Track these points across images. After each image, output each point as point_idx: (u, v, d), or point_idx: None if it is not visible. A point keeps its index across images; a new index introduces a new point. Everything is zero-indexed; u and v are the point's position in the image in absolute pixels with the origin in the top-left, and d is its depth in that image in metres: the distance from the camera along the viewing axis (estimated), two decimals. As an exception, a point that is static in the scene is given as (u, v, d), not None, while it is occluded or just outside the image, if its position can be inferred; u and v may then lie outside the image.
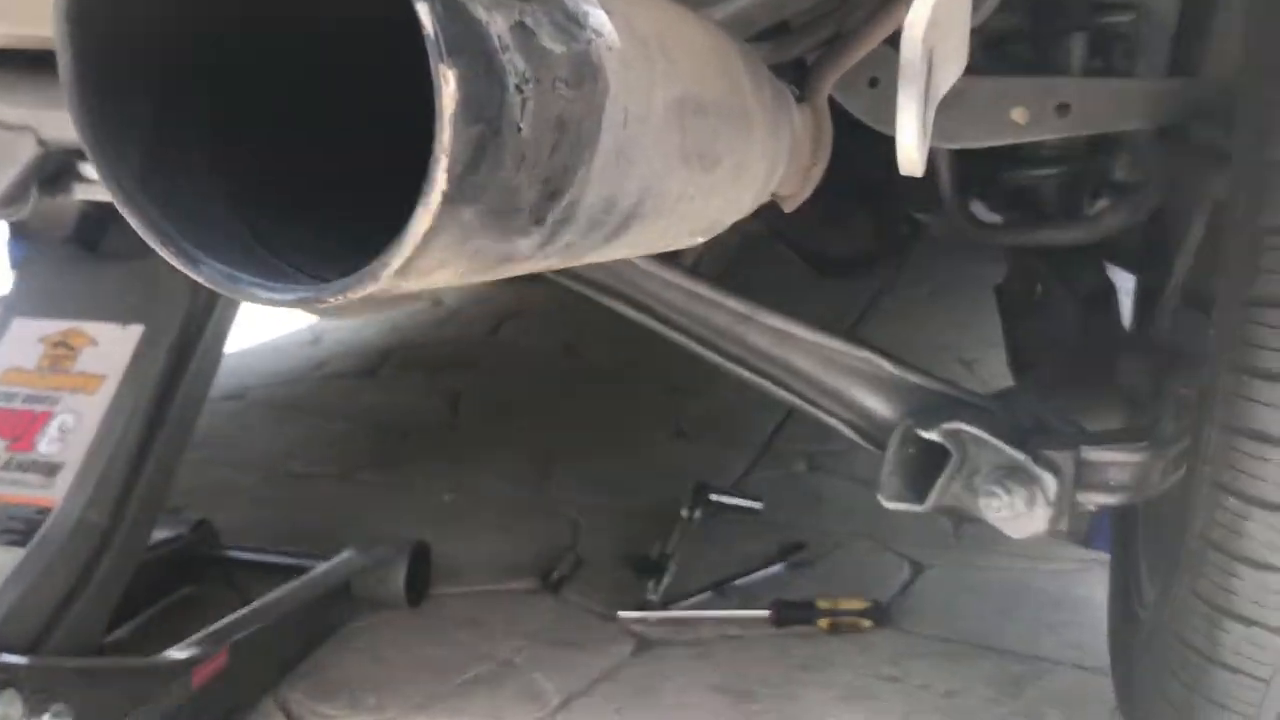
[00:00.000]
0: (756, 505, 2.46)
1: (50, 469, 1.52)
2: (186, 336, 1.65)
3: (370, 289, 0.47)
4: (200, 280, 0.55)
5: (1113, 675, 1.62)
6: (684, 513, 2.32)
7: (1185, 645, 1.20)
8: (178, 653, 1.61)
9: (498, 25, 0.46)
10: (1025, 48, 1.64)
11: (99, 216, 1.78)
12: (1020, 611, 2.09)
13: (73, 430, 1.55)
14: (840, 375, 1.51)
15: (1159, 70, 1.58)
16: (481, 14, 0.45)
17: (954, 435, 1.38)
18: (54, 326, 1.64)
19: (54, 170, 1.62)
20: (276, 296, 0.51)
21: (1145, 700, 1.36)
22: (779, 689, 1.83)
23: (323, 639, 1.95)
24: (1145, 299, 1.76)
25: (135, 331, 1.62)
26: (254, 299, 0.52)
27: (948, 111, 1.43)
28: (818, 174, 1.07)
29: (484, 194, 0.46)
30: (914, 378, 1.48)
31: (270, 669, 1.82)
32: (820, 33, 1.03)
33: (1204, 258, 1.44)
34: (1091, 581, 2.16)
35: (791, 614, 2.02)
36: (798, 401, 1.53)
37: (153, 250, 1.76)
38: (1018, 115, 1.47)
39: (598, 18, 0.55)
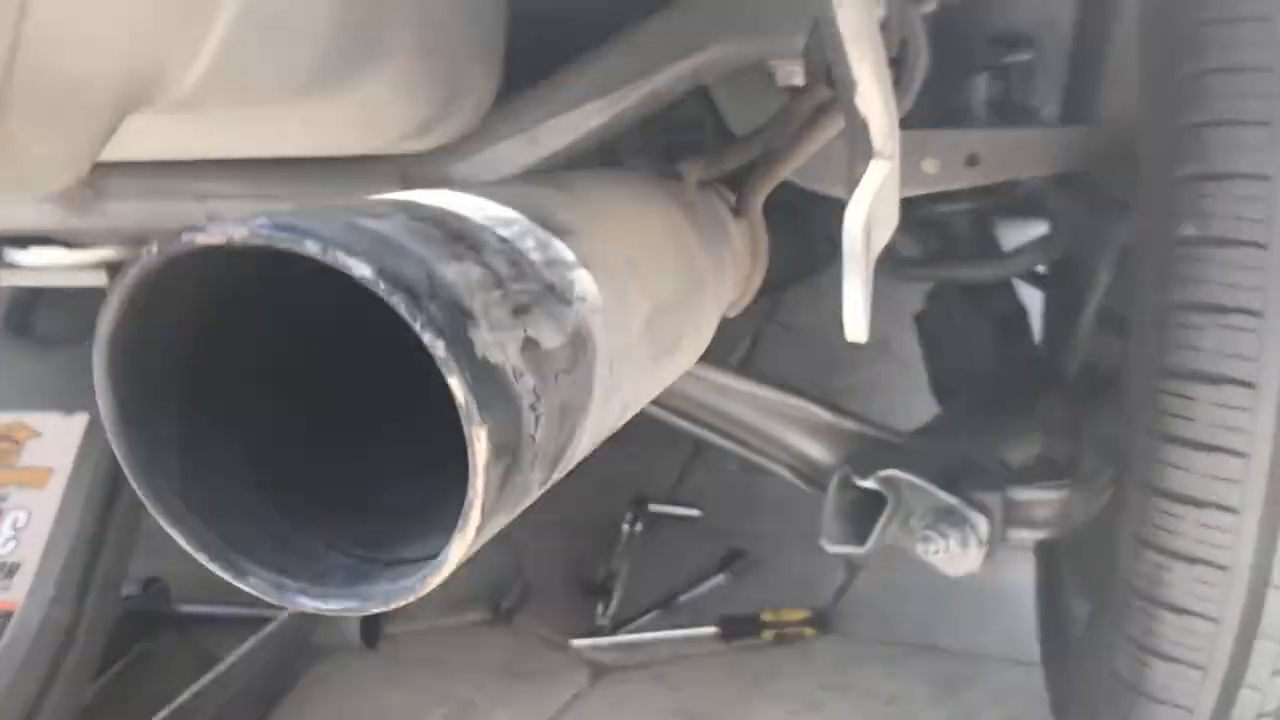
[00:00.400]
0: (694, 513, 2.53)
1: (8, 570, 1.53)
2: (131, 420, 1.66)
3: (410, 600, 0.51)
4: (247, 589, 0.59)
5: (1046, 681, 1.72)
6: (625, 527, 2.38)
7: (1114, 677, 1.29)
8: (149, 735, 1.64)
9: (511, 357, 0.50)
10: (932, 88, 1.71)
11: (26, 301, 1.78)
12: (952, 607, 2.18)
13: (25, 528, 1.56)
14: (778, 423, 1.57)
15: (1055, 111, 1.66)
16: (499, 356, 0.50)
17: (889, 482, 1.46)
18: (-5, 420, 1.64)
19: (-22, 257, 1.62)
20: (323, 606, 0.55)
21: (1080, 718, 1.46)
22: (733, 708, 1.92)
23: (284, 692, 1.98)
24: (1055, 317, 1.85)
25: (80, 421, 1.62)
26: (301, 607, 0.56)
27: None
28: (758, 279, 1.12)
29: (507, 503, 0.51)
30: (848, 424, 1.55)
31: (238, 733, 1.85)
32: (750, 151, 1.09)
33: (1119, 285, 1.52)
34: (1018, 570, 2.26)
35: (737, 629, 2.10)
36: (740, 449, 1.60)
37: (89, 334, 1.76)
38: (929, 166, 1.54)
39: (581, 281, 0.60)
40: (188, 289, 0.56)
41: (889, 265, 1.77)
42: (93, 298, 1.82)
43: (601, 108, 1.42)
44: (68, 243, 1.74)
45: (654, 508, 2.47)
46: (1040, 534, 1.44)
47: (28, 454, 1.61)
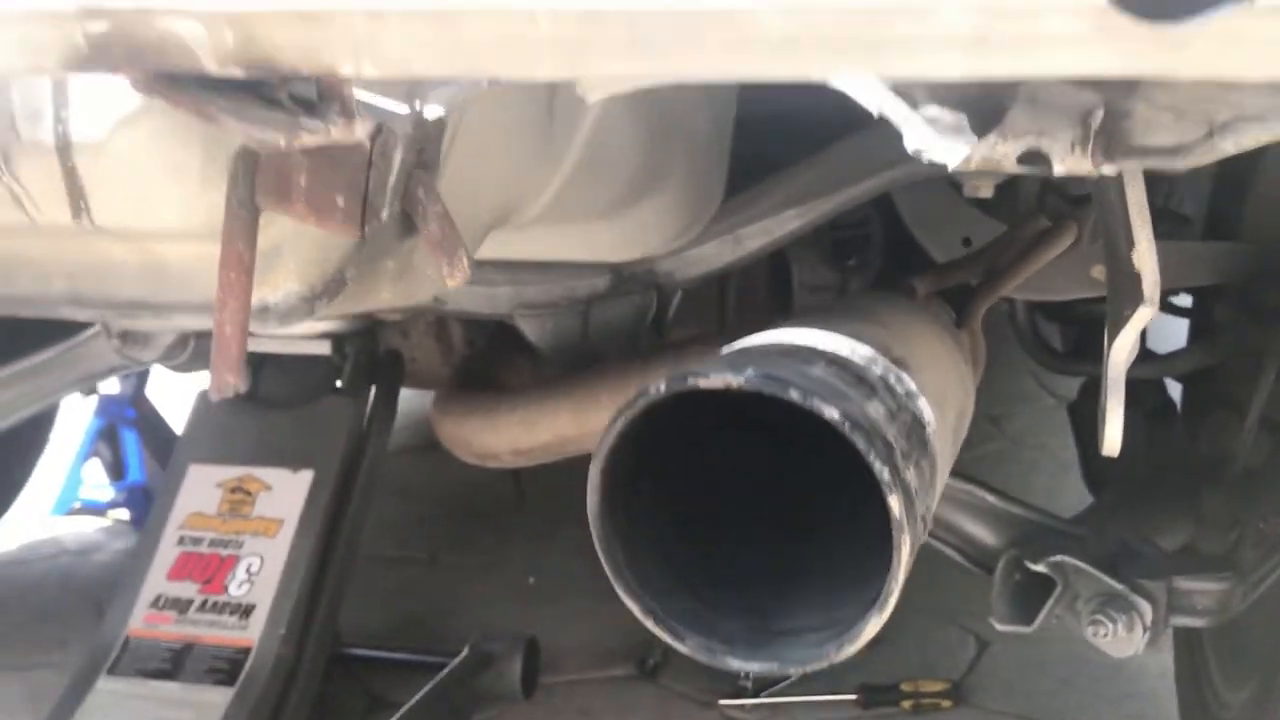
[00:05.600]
0: (825, 582, 2.65)
1: (244, 611, 1.70)
2: (348, 476, 1.83)
3: (822, 665, 0.65)
4: (684, 650, 0.73)
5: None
6: (760, 594, 2.50)
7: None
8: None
9: (912, 479, 0.65)
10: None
11: (254, 365, 1.96)
12: (1080, 684, 2.27)
13: (259, 573, 1.72)
14: (948, 506, 1.69)
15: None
16: (908, 477, 0.64)
17: (1058, 567, 1.57)
18: (229, 473, 1.82)
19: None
20: (745, 665, 0.69)
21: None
22: (875, 770, 2.02)
23: (455, 734, 2.12)
24: (1195, 412, 1.96)
25: (306, 476, 1.79)
26: (726, 666, 0.71)
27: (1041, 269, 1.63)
28: (977, 382, 1.26)
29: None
30: (1014, 509, 1.67)
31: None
32: (975, 268, 1.23)
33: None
34: (1145, 653, 2.35)
35: (877, 697, 2.21)
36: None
37: (312, 397, 1.93)
38: (1097, 273, 1.67)
39: (925, 410, 0.74)
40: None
41: (1044, 359, 1.89)
42: (312, 363, 2.00)
43: (799, 214, 1.57)
44: (297, 314, 1.92)
45: (787, 575, 2.58)
46: (1201, 621, 1.54)
47: (261, 505, 1.78)
